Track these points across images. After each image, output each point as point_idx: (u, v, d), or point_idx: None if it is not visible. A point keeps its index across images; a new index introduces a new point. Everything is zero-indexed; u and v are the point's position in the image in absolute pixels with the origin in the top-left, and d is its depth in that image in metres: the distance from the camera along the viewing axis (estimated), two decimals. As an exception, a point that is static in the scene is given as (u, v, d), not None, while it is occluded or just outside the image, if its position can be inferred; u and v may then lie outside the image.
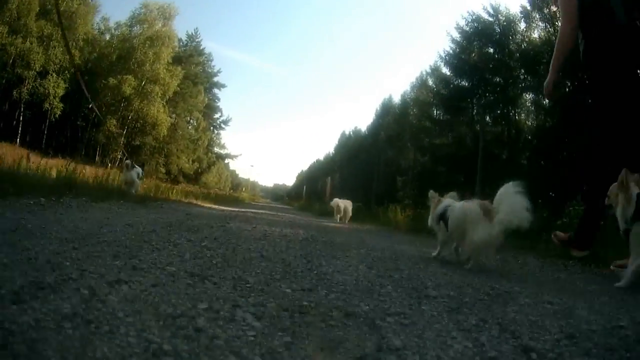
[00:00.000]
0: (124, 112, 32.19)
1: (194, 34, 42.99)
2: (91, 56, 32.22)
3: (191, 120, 41.22)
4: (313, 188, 44.80)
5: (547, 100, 16.54)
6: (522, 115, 18.90)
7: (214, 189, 38.60)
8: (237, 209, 11.99)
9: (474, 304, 2.16)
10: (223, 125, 47.76)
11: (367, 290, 2.28)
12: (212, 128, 46.23)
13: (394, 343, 1.42)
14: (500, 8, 18.53)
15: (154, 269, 2.15)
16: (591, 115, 4.34)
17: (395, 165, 25.83)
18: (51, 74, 29.51)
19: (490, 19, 18.89)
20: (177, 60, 35.87)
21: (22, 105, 29.50)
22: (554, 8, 15.07)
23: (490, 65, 18.61)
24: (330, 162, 46.25)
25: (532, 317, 1.95)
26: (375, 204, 15.24)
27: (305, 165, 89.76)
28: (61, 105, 29.99)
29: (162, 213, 6.22)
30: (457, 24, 19.76)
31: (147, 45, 32.12)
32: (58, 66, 30.03)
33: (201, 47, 43.41)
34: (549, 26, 16.73)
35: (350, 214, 11.96)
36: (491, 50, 19.18)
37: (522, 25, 18.07)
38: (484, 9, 18.86)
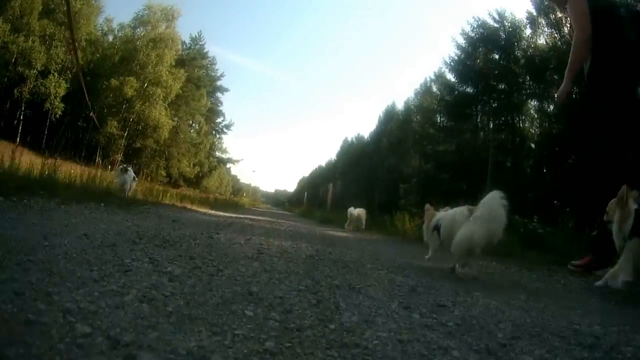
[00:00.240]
0: (125, 114, 31.21)
1: (197, 36, 42.22)
2: (93, 57, 31.33)
3: (193, 124, 40.12)
4: (314, 194, 44.26)
5: (552, 107, 16.40)
6: (527, 122, 18.39)
7: (214, 193, 37.78)
8: (234, 215, 10.95)
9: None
10: (225, 130, 46.83)
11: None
12: (214, 132, 45.18)
13: None
14: (506, 14, 18.33)
15: (48, 325, 1.22)
16: (590, 128, 4.22)
17: (398, 172, 25.23)
18: (53, 74, 28.72)
19: (496, 25, 18.60)
20: (180, 62, 34.92)
21: (23, 105, 28.67)
22: (560, 14, 14.73)
23: (496, 72, 18.30)
24: (332, 169, 45.60)
25: None
26: (379, 212, 14.28)
27: (306, 172, 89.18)
28: (62, 105, 29.15)
29: (142, 219, 5.20)
30: (463, 30, 19.48)
31: (150, 47, 31.27)
32: (60, 66, 29.26)
33: (205, 50, 42.64)
34: (555, 32, 16.30)
35: (364, 222, 11.06)
36: (496, 56, 18.82)
37: (528, 31, 17.74)
38: (490, 14, 18.69)
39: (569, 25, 12.75)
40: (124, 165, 9.16)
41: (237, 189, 72.77)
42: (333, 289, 2.37)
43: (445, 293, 2.67)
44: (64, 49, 28.96)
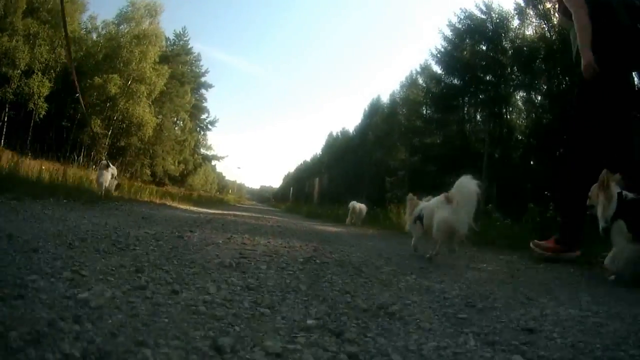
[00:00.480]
0: (109, 112, 29.70)
1: (181, 32, 40.12)
2: (77, 55, 29.73)
3: (177, 121, 38.21)
4: (300, 189, 43.45)
5: (540, 98, 16.73)
6: (514, 114, 18.29)
7: (199, 190, 36.70)
8: (216, 212, 9.91)
9: None
10: (210, 126, 44.81)
11: None
12: (198, 129, 43.28)
13: None
14: (493, 5, 17.93)
15: None
16: (576, 111, 3.93)
17: (384, 165, 24.67)
18: (36, 73, 27.26)
19: (483, 16, 18.17)
20: (164, 59, 33.32)
21: (7, 106, 27.38)
22: (548, 4, 14.88)
23: (483, 63, 17.90)
24: (317, 164, 44.93)
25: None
26: (371, 205, 13.56)
27: (292, 167, 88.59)
28: (46, 105, 27.70)
29: (105, 217, 4.24)
30: (450, 21, 18.98)
31: (133, 43, 29.69)
32: (43, 65, 27.79)
33: (189, 46, 40.83)
34: (544, 22, 16.07)
35: (363, 217, 10.55)
36: (484, 47, 18.32)
37: (516, 22, 17.46)
38: (476, 6, 18.21)
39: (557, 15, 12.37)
40: (104, 162, 8.40)
41: (223, 186, 71.48)
42: (363, 319, 1.47)
43: (510, 304, 1.78)
44: (47, 47, 27.54)
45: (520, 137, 17.52)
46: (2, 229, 2.38)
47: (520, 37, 17.22)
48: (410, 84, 25.57)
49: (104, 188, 7.95)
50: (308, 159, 57.44)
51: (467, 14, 18.43)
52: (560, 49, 13.04)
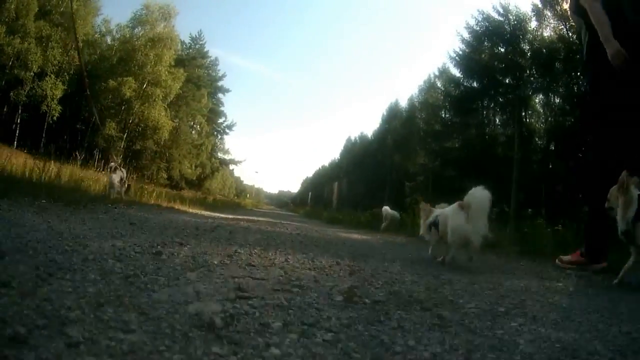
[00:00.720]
0: (124, 115, 29.24)
1: (197, 36, 39.70)
2: (91, 58, 29.48)
3: (194, 125, 37.63)
4: (319, 194, 43.07)
5: (559, 100, 17.00)
6: (534, 117, 18.63)
7: (216, 194, 36.01)
8: (229, 216, 8.93)
9: None
10: (227, 130, 43.93)
11: None
12: (215, 133, 42.57)
13: None
14: (510, 7, 18.05)
15: None
16: (589, 110, 3.91)
17: (403, 170, 24.75)
18: (49, 75, 26.91)
19: (500, 18, 18.36)
20: (180, 62, 32.66)
21: (20, 108, 27.02)
22: (566, 5, 14.30)
23: (502, 66, 17.99)
24: (335, 168, 45.04)
25: None
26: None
27: (310, 172, 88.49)
28: (59, 107, 27.33)
29: (80, 222, 3.26)
30: (467, 24, 19.13)
31: (148, 46, 29.21)
32: (56, 67, 27.49)
33: (205, 50, 40.25)
34: (562, 24, 16.10)
35: (396, 222, 10.08)
36: (502, 49, 18.47)
37: (534, 24, 17.62)
38: (494, 8, 18.38)
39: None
40: (113, 165, 8.48)
41: (241, 190, 71.00)
42: None
43: None
44: (60, 50, 27.21)
45: (538, 141, 17.73)
46: None
47: (538, 38, 17.28)
48: (429, 87, 25.48)
49: (115, 191, 7.90)
50: (326, 163, 58.24)
51: (484, 16, 18.51)
52: (580, 50, 12.45)
